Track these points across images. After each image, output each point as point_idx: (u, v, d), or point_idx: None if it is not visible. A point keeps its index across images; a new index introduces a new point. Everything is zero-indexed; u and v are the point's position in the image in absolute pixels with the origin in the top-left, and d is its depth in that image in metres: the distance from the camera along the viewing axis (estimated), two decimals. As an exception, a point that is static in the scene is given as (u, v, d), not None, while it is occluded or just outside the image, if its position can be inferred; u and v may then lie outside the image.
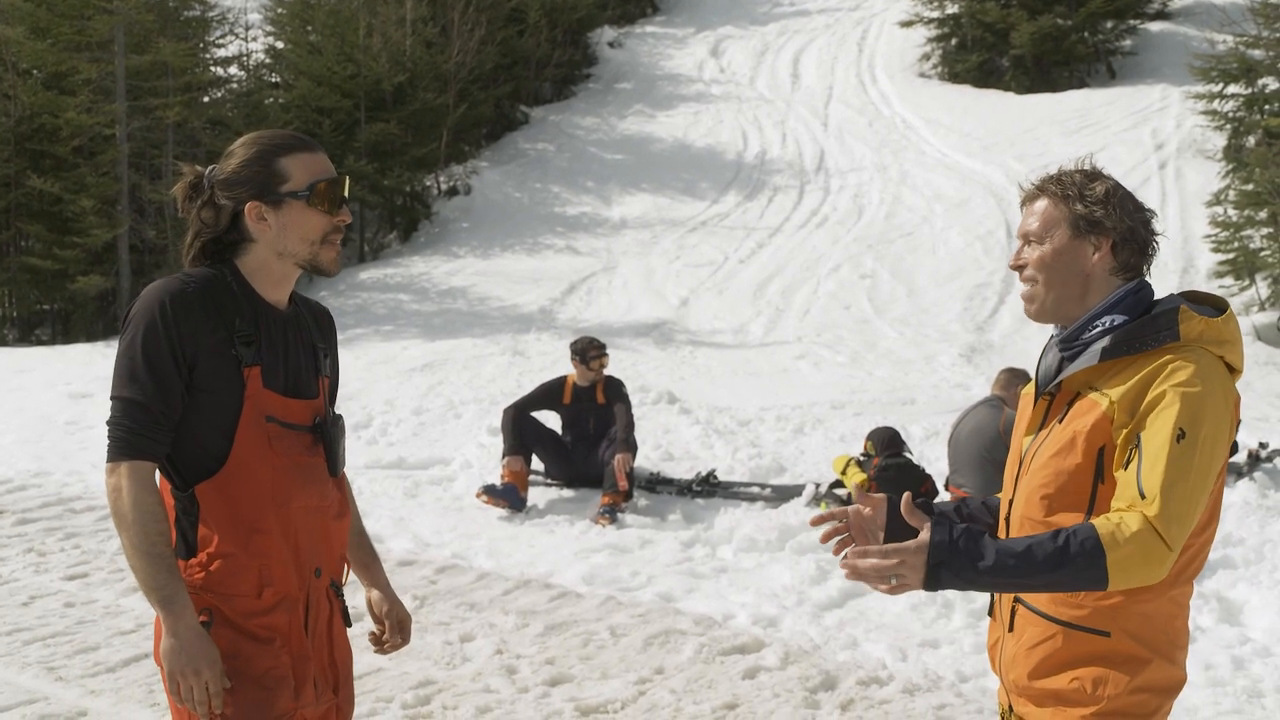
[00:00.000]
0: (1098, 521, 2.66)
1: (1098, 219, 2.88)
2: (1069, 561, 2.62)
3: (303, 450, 3.09)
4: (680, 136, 28.99)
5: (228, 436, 2.98)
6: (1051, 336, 3.06)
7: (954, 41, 32.09)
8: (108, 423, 2.96)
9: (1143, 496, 2.67)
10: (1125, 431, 2.75)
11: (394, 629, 3.43)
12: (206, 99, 24.87)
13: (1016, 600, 2.97)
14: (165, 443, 2.94)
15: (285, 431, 3.06)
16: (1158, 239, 2.95)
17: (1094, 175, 2.94)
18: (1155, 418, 2.71)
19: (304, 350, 3.17)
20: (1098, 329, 2.88)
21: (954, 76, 31.39)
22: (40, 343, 22.74)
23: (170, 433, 2.95)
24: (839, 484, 9.29)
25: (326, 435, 3.14)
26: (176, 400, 2.93)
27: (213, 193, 3.07)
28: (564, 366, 13.09)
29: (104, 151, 22.53)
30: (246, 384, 2.99)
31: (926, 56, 32.23)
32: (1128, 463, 2.73)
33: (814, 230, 23.09)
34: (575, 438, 10.01)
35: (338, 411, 3.27)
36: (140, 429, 2.90)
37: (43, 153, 22.97)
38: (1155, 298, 2.93)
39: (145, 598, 2.96)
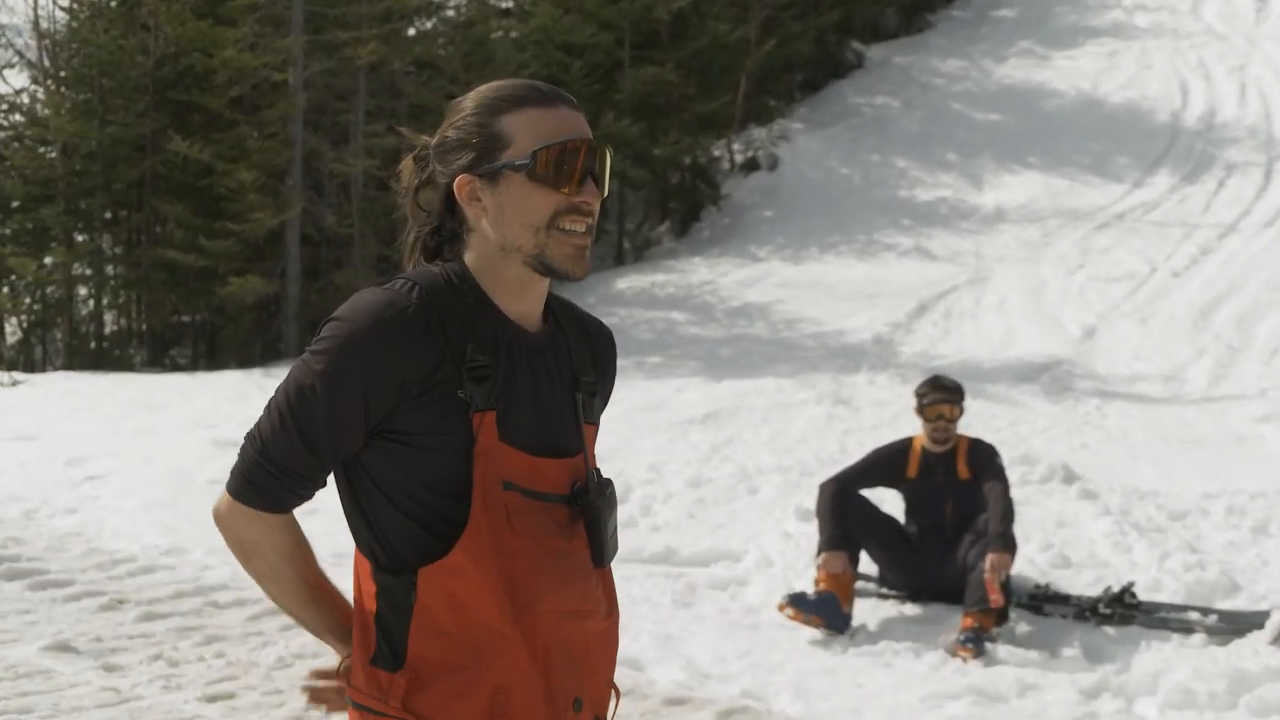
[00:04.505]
0: None
1: None
2: None
3: (555, 530, 3.08)
4: (1086, 89, 28.60)
5: (452, 509, 3.00)
6: None
7: None
8: (242, 446, 3.07)
9: None
10: None
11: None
12: (412, 31, 25.61)
13: None
14: (304, 496, 3.06)
15: (530, 503, 3.04)
16: None
17: None
18: None
19: (562, 388, 3.17)
20: None
21: None
22: (177, 368, 23.77)
23: (308, 490, 3.06)
24: (1324, 613, 8.97)
25: (589, 509, 3.13)
26: (318, 472, 3.02)
27: (432, 167, 3.14)
28: (908, 423, 12.97)
29: (272, 105, 23.31)
30: (477, 436, 2.99)
31: None
32: None
33: (1288, 230, 22.59)
34: (924, 529, 9.87)
35: (605, 475, 3.23)
36: (278, 475, 3.02)
37: (190, 105, 23.96)
38: None
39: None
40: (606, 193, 3.14)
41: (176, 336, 25.89)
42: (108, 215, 26.90)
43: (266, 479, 3.00)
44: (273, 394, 3.05)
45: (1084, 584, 10.04)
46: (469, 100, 3.12)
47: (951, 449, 9.89)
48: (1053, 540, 10.89)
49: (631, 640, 8.92)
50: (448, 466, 2.99)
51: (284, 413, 2.98)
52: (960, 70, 30.32)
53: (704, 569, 10.66)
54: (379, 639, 3.06)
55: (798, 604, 9.25)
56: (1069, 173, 25.68)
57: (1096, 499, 11.84)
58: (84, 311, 27.15)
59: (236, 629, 9.13)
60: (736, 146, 27.84)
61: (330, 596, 3.19)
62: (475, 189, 3.06)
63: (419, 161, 3.18)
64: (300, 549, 3.12)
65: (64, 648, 8.40)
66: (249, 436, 3.04)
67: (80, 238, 26.75)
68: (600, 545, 3.15)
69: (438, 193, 3.14)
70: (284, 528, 3.08)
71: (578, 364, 3.23)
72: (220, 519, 3.10)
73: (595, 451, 3.27)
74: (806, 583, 9.91)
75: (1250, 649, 8.82)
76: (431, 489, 3.00)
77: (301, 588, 3.15)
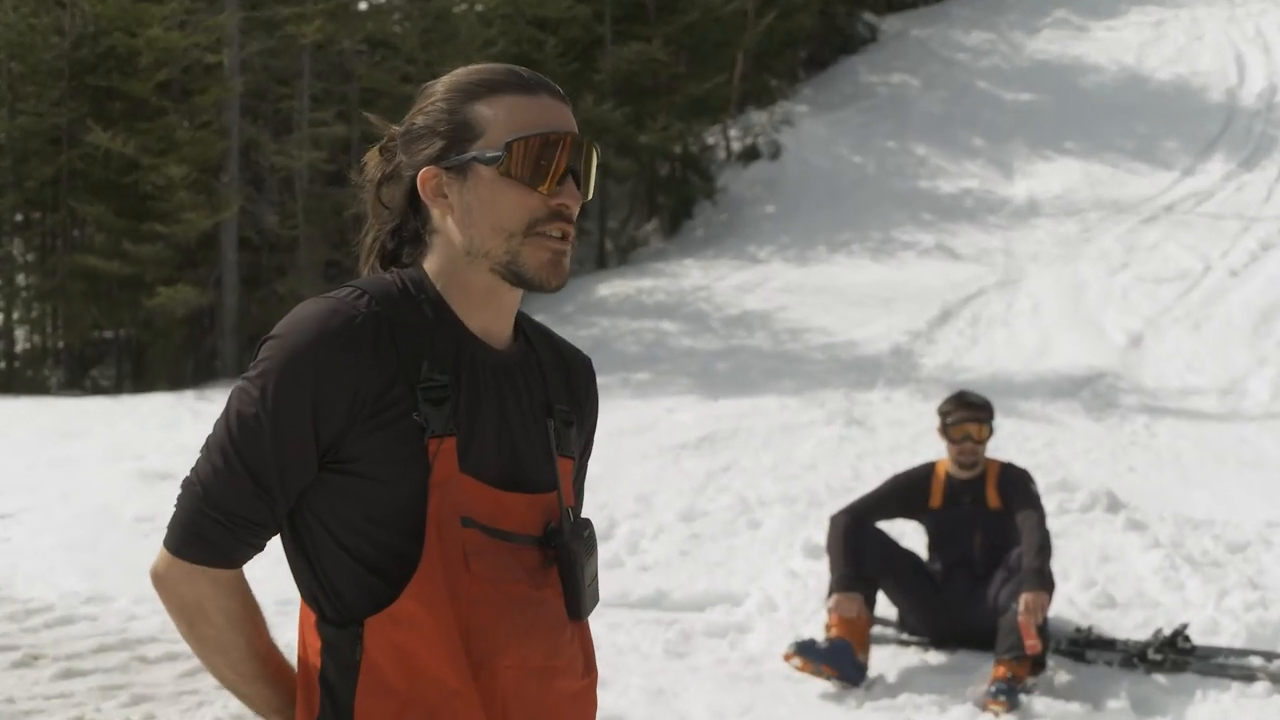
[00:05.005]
0: None
1: None
2: None
3: (522, 575, 3.05)
4: (1130, 63, 28.67)
5: (404, 550, 2.96)
6: None
7: None
8: (180, 495, 3.02)
9: None
10: None
11: None
12: (363, 6, 25.65)
13: None
14: (255, 546, 3.03)
15: (493, 544, 3.01)
16: None
17: None
18: None
19: (533, 414, 3.14)
20: None
21: None
22: (99, 390, 23.69)
23: (260, 538, 3.02)
24: (1403, 659, 8.98)
25: (564, 553, 3.10)
26: (270, 515, 2.98)
27: (399, 158, 3.12)
28: (930, 445, 12.98)
29: (205, 90, 23.29)
30: (433, 465, 2.96)
31: None
32: None
33: (1360, 222, 22.59)
34: (950, 565, 9.86)
35: (584, 515, 3.22)
36: (226, 522, 2.96)
37: (111, 92, 23.94)
38: None
39: None
40: (590, 195, 3.09)
41: (98, 355, 25.85)
42: (18, 218, 26.97)
43: (213, 528, 2.95)
44: (210, 432, 2.99)
45: (1131, 626, 10.04)
46: (441, 84, 3.09)
47: (980, 474, 9.87)
48: (1095, 577, 10.89)
49: (618, 695, 8.90)
50: (400, 500, 2.96)
51: (225, 449, 2.93)
52: (987, 44, 30.38)
53: (699, 614, 10.64)
54: (323, 701, 3.02)
55: (806, 653, 9.23)
56: (1111, 159, 25.73)
57: (1145, 530, 11.85)
58: (-8, 327, 27.22)
59: (167, 687, 9.10)
60: (733, 133, 27.86)
61: (280, 670, 3.13)
62: (441, 183, 3.02)
63: (385, 153, 3.14)
64: (250, 614, 3.06)
65: (-29, 710, 8.37)
66: (186, 484, 2.99)
67: (-13, 243, 26.80)
68: (576, 595, 3.12)
69: (401, 187, 3.10)
70: (233, 587, 3.01)
71: (551, 388, 3.20)
72: (159, 581, 3.03)
73: (571, 488, 3.21)
74: (816, 628, 9.91)
75: (1323, 700, 8.83)
76: (382, 527, 2.96)
77: (250, 660, 3.08)
